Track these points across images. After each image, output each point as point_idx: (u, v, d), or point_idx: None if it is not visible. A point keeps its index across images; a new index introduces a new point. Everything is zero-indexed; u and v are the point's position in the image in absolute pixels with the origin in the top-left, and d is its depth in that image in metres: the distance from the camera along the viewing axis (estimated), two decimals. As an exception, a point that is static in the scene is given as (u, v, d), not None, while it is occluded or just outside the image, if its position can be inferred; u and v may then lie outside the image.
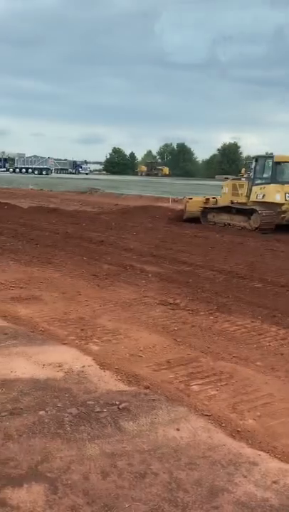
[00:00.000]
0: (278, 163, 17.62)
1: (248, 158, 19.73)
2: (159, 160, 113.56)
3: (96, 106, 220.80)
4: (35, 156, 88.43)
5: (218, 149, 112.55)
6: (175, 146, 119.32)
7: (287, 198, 17.01)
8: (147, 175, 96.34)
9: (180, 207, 22.39)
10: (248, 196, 18.06)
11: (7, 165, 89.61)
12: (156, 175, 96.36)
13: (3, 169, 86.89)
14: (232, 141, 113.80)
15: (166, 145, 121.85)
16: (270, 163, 17.71)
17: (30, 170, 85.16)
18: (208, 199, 19.53)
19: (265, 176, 17.85)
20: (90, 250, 12.13)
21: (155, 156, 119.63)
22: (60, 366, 5.09)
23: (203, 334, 6.36)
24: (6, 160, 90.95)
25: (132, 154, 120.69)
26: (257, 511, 3.08)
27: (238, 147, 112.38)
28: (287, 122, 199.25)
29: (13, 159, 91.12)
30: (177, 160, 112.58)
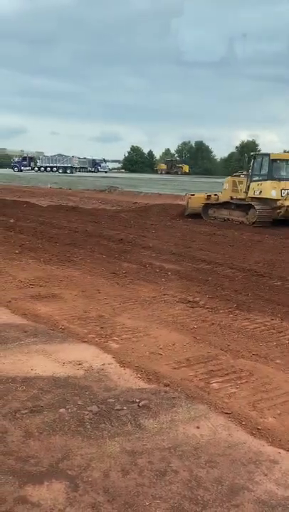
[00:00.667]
0: (274, 160, 18.45)
1: (249, 156, 20.35)
2: (178, 158, 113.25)
3: (113, 104, 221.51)
4: (59, 155, 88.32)
5: (237, 147, 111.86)
6: (193, 144, 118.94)
7: (282, 194, 17.70)
8: (167, 173, 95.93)
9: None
10: (246, 192, 18.74)
11: (32, 164, 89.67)
12: (176, 173, 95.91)
13: (28, 168, 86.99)
14: (250, 139, 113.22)
15: (184, 143, 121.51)
16: (267, 161, 18.48)
17: (54, 168, 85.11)
18: (209, 195, 20.19)
19: (262, 172, 18.56)
20: (109, 248, 12.16)
21: (173, 154, 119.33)
22: (80, 364, 5.12)
23: (223, 332, 6.34)
24: (31, 158, 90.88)
25: (150, 152, 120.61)
26: (278, 510, 3.07)
27: (257, 145, 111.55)
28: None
29: (37, 158, 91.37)
30: (196, 158, 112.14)
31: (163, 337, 6.06)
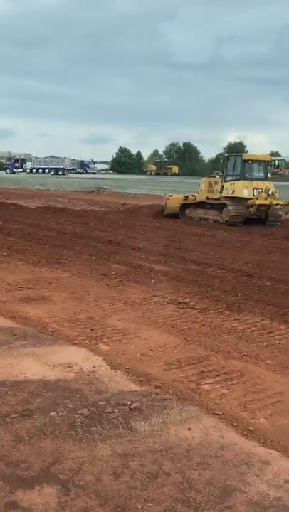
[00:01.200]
0: (246, 161, 19.24)
1: (225, 156, 21.39)
2: (166, 159, 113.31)
3: (102, 106, 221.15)
4: (51, 157, 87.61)
5: (224, 148, 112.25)
6: (181, 146, 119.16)
7: (254, 194, 18.33)
8: (156, 174, 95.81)
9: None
10: (220, 192, 19.37)
11: (24, 165, 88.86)
12: (165, 174, 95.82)
13: (20, 170, 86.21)
14: (238, 140, 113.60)
15: (172, 144, 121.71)
16: (239, 162, 19.18)
17: (46, 170, 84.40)
18: (187, 196, 20.70)
19: (235, 173, 19.22)
20: (98, 250, 12.13)
21: (161, 156, 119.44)
22: (70, 367, 5.09)
23: (213, 333, 6.34)
24: (23, 160, 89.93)
25: (139, 154, 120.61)
26: (270, 511, 3.06)
27: (244, 146, 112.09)
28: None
29: (28, 159, 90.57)
30: (184, 159, 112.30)
31: (153, 338, 6.04)
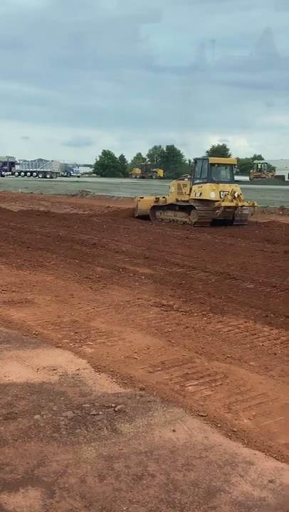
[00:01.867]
0: (213, 164, 19.87)
1: (194, 160, 21.90)
2: (149, 162, 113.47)
3: (85, 109, 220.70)
4: (39, 160, 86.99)
5: (207, 151, 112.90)
6: (164, 149, 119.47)
7: (221, 196, 18.97)
8: (142, 177, 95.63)
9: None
10: (189, 194, 20.00)
11: (13, 168, 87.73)
12: (150, 177, 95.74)
13: (9, 173, 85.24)
14: (221, 144, 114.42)
15: (155, 147, 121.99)
16: (206, 165, 19.79)
17: (34, 173, 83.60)
18: (158, 198, 21.39)
19: (202, 176, 19.82)
20: (82, 253, 12.11)
21: (145, 159, 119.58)
22: (54, 370, 5.08)
23: (197, 335, 6.37)
24: (12, 163, 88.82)
25: (122, 157, 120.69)
26: (254, 511, 3.09)
27: (227, 149, 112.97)
28: (276, 124, 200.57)
29: (17, 163, 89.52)
30: (167, 162, 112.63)
31: (138, 341, 6.05)
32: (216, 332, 6.53)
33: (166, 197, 21.26)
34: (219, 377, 5.06)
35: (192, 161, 21.50)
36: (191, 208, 19.45)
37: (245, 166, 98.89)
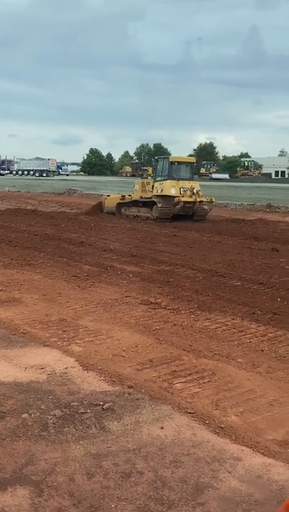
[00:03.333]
0: (173, 162, 21.17)
1: (155, 159, 23.72)
2: (137, 160, 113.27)
3: (72, 107, 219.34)
4: (37, 158, 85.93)
5: (195, 149, 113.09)
6: (152, 147, 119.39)
7: (181, 192, 20.02)
8: (132, 175, 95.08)
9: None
10: (152, 191, 21.02)
11: (12, 167, 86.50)
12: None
13: (7, 171, 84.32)
14: (208, 142, 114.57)
15: (142, 145, 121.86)
16: (167, 163, 21.15)
17: (32, 172, 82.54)
18: (124, 196, 22.45)
19: (163, 173, 21.02)
20: (69, 251, 12.09)
21: (132, 157, 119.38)
22: (42, 368, 5.07)
23: (185, 333, 6.39)
24: (10, 162, 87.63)
25: (109, 155, 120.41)
26: (242, 506, 3.11)
27: (215, 147, 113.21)
28: (263, 122, 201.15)
29: (15, 161, 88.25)
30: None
31: (126, 339, 6.06)
32: (203, 329, 6.55)
33: (132, 194, 22.23)
34: (207, 374, 5.09)
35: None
36: (153, 203, 20.52)
37: (232, 164, 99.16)
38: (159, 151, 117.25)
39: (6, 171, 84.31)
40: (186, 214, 20.12)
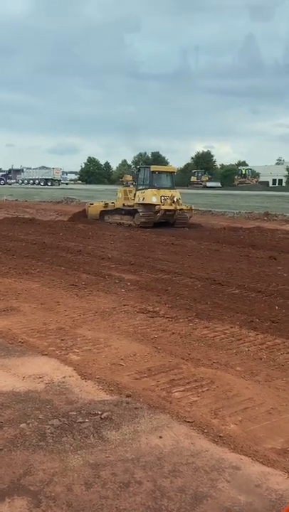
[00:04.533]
0: (153, 172, 21.80)
1: (136, 168, 23.90)
2: (134, 169, 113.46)
3: (69, 116, 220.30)
4: (42, 167, 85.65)
5: (192, 158, 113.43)
6: (150, 155, 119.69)
7: (162, 200, 20.86)
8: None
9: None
10: (134, 200, 21.80)
11: (18, 176, 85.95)
12: None
13: (13, 180, 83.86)
14: (205, 150, 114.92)
15: (140, 154, 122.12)
16: (148, 172, 21.78)
17: (37, 181, 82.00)
18: (107, 204, 23.37)
19: (145, 182, 21.77)
20: (67, 260, 12.08)
21: (130, 166, 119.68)
22: (40, 378, 5.05)
23: (183, 341, 6.38)
24: (16, 171, 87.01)
25: (107, 164, 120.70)
26: (241, 516, 3.09)
27: (212, 156, 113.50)
28: (260, 131, 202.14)
29: (22, 171, 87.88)
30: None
31: (124, 348, 6.05)
32: (202, 338, 6.54)
33: (115, 202, 22.98)
34: (205, 383, 5.07)
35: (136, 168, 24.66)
36: (135, 211, 21.28)
37: (229, 172, 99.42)
38: (157, 159, 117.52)
39: (12, 181, 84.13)
40: (167, 221, 20.97)
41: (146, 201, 21.00)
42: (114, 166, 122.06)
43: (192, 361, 5.66)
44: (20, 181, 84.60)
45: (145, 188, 21.37)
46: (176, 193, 21.58)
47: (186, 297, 8.68)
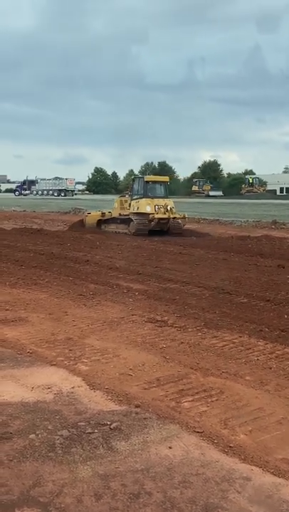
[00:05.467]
0: (147, 182, 22.88)
1: (132, 178, 26.04)
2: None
3: (77, 127, 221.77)
4: (55, 178, 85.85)
5: (199, 167, 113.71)
6: (156, 165, 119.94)
7: (156, 209, 21.83)
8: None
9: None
10: (129, 209, 22.83)
11: (33, 187, 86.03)
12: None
13: (28, 191, 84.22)
14: (212, 159, 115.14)
15: (147, 164, 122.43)
16: (142, 183, 22.80)
17: (51, 192, 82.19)
18: (104, 213, 24.50)
19: (139, 192, 22.73)
20: (75, 270, 12.10)
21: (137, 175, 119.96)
22: (49, 388, 5.05)
23: (192, 351, 6.36)
24: (32, 182, 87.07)
25: (114, 174, 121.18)
26: (252, 527, 3.06)
27: (219, 165, 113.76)
28: (266, 140, 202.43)
29: (37, 182, 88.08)
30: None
31: (132, 357, 6.03)
32: (210, 347, 6.52)
33: (112, 211, 24.11)
34: (215, 393, 5.04)
35: (132, 179, 25.32)
36: (130, 220, 22.28)
37: (236, 181, 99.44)
38: (164, 169, 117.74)
39: (27, 192, 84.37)
40: (161, 229, 21.84)
41: (140, 210, 21.89)
42: (122, 175, 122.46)
43: (201, 371, 5.63)
44: (35, 192, 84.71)
45: (140, 198, 22.24)
46: (170, 202, 22.43)
47: (194, 306, 8.66)
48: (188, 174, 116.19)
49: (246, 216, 33.03)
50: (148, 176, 24.49)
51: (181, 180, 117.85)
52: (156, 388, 5.13)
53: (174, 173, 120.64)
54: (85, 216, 24.84)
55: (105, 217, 23.97)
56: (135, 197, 22.75)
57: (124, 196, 25.04)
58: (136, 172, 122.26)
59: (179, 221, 22.55)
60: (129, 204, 22.83)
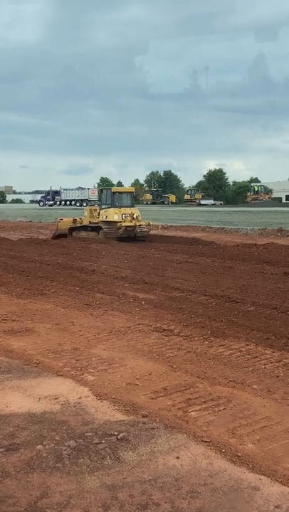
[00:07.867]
0: (114, 192, 24.47)
1: (100, 189, 28.52)
2: (146, 188, 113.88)
3: (82, 137, 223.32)
4: (78, 188, 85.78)
5: (204, 175, 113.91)
6: (162, 174, 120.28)
7: (123, 218, 23.31)
8: (153, 203, 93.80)
9: (169, 233, 27.13)
10: (98, 217, 24.41)
11: (57, 197, 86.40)
12: (162, 203, 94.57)
13: (51, 202, 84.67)
14: (217, 168, 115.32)
15: (152, 173, 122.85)
16: (110, 193, 24.43)
17: (73, 202, 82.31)
18: (75, 219, 25.87)
19: (107, 202, 24.33)
20: (81, 280, 12.11)
21: (142, 184, 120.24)
22: (56, 399, 5.04)
23: (199, 359, 6.34)
24: (56, 192, 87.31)
25: (120, 183, 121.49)
26: (261, 538, 3.04)
27: (224, 173, 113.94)
28: (271, 148, 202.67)
29: (61, 192, 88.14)
30: (164, 187, 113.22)
31: (139, 367, 6.02)
32: (217, 356, 6.50)
33: (82, 219, 25.55)
34: (222, 402, 5.02)
35: (100, 190, 27.71)
36: (100, 228, 23.86)
37: (242, 189, 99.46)
38: (169, 178, 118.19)
39: (51, 202, 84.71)
40: (128, 236, 23.07)
41: (109, 219, 23.51)
42: (127, 185, 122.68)
43: (208, 380, 5.61)
44: (58, 202, 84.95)
45: (108, 207, 23.84)
46: (136, 211, 24.08)
47: (200, 315, 8.65)
48: (194, 183, 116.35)
49: (252, 224, 33.00)
50: (115, 187, 27.01)
51: (186, 189, 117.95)
52: (163, 398, 5.11)
53: (180, 181, 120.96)
54: (58, 222, 26.05)
55: (76, 224, 25.44)
56: (104, 206, 24.31)
57: (94, 206, 27.05)
58: (141, 181, 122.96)
59: (144, 228, 24.02)
60: (98, 213, 24.40)
